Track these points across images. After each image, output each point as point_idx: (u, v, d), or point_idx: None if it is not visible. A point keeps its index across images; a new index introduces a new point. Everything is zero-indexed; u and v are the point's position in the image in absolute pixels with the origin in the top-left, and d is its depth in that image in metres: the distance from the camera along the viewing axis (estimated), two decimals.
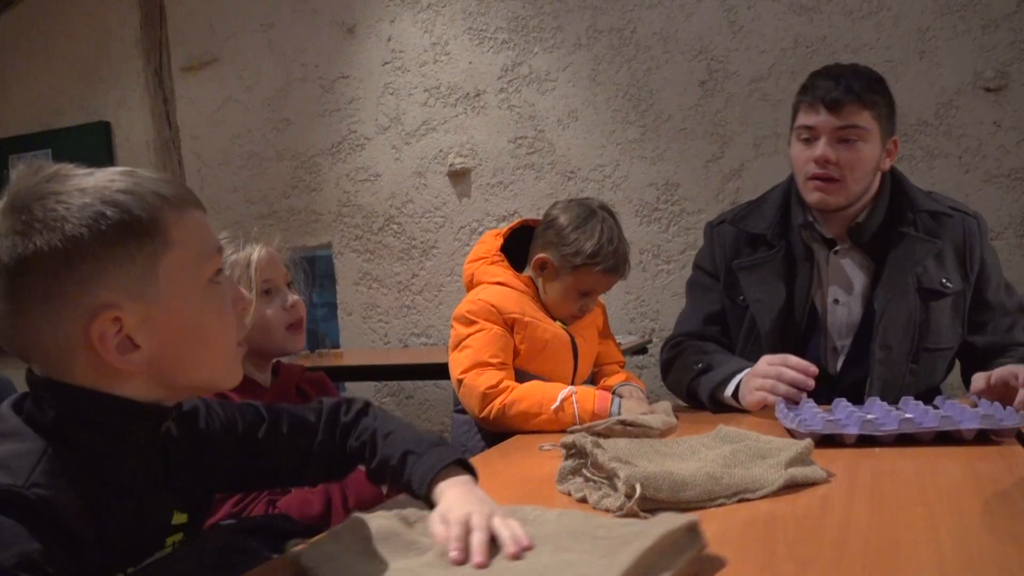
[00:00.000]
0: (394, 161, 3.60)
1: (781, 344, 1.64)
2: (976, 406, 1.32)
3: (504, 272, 1.75)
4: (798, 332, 1.68)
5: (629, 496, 0.93)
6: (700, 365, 1.66)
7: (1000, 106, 2.75)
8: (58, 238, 0.73)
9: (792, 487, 1.03)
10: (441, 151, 3.51)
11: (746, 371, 1.55)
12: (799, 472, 1.05)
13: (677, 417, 1.48)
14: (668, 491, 0.96)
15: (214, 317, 0.84)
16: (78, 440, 0.77)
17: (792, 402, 1.45)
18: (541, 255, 1.71)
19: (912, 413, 1.31)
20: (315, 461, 1.02)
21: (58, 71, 4.15)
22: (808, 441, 1.12)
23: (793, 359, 1.47)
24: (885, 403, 1.41)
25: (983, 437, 1.23)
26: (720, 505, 0.98)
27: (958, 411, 1.29)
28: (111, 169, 0.80)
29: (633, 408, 1.52)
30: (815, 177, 1.60)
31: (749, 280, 1.71)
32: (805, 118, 1.62)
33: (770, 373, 1.47)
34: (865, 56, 2.85)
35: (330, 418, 1.05)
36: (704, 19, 3.07)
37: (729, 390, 1.58)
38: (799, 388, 1.45)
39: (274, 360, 1.48)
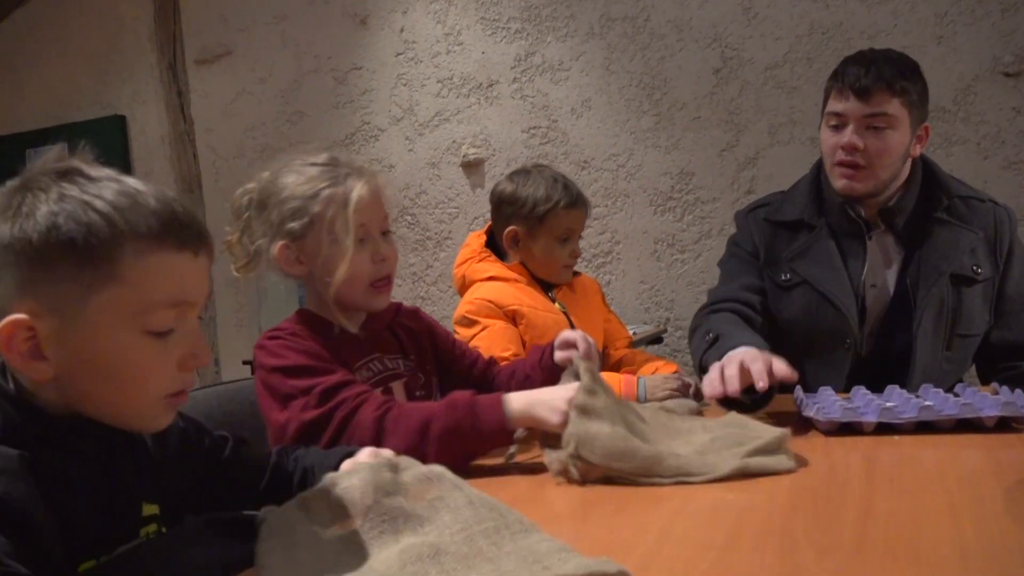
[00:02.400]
0: (408, 152, 3.60)
1: (857, 328, 1.65)
2: (997, 393, 1.31)
3: (493, 266, 1.77)
4: (870, 317, 1.68)
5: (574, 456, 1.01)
6: (711, 335, 1.55)
7: (1020, 91, 2.71)
8: (16, 233, 0.73)
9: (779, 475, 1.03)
10: (455, 142, 3.51)
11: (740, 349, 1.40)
12: (757, 461, 1.04)
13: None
14: (600, 457, 1.01)
15: (137, 367, 0.78)
16: (23, 441, 0.75)
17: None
18: (508, 230, 1.74)
19: (932, 400, 1.30)
20: (270, 479, 1.03)
21: (72, 65, 4.17)
22: (782, 431, 1.10)
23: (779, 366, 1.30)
24: (904, 391, 1.40)
25: (1004, 424, 1.22)
26: (655, 484, 1.02)
27: (979, 398, 1.28)
28: (123, 181, 0.78)
29: (659, 386, 1.52)
30: (841, 163, 1.61)
31: (804, 266, 1.70)
32: (834, 104, 1.62)
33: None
34: (882, 42, 2.81)
35: (281, 450, 1.07)
36: (718, 6, 3.05)
37: None
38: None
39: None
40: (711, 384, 1.31)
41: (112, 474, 0.83)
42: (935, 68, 2.78)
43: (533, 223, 1.73)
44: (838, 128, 1.62)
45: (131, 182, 0.79)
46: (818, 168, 1.76)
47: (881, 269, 1.69)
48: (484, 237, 1.85)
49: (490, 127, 3.44)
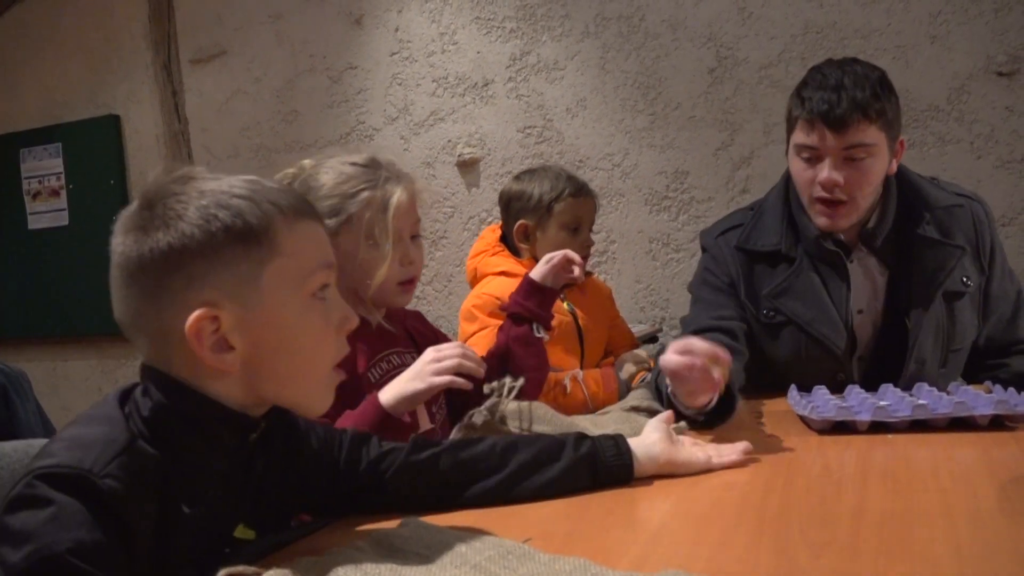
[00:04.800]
0: (403, 152, 3.59)
1: (846, 358, 1.56)
2: (990, 392, 1.32)
3: (506, 260, 1.77)
4: (860, 344, 1.58)
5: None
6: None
7: (1013, 91, 2.72)
8: (173, 235, 0.77)
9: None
10: (450, 141, 3.51)
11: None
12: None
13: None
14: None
15: (311, 333, 0.84)
16: (167, 434, 0.78)
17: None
18: (518, 224, 1.76)
19: (925, 399, 1.30)
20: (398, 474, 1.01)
21: (67, 64, 4.16)
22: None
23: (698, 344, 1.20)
24: (898, 389, 1.40)
25: (997, 423, 1.23)
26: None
27: (972, 397, 1.29)
28: (237, 176, 0.84)
29: (629, 361, 1.55)
30: (821, 200, 1.48)
31: (789, 304, 1.56)
32: (805, 136, 1.46)
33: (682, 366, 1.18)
34: (875, 41, 2.83)
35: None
36: (713, 5, 3.05)
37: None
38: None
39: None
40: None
41: (229, 485, 0.84)
42: (929, 67, 2.79)
43: (542, 214, 1.76)
44: (811, 161, 1.47)
45: (243, 175, 0.85)
46: (786, 190, 1.62)
47: (867, 293, 1.57)
48: (499, 231, 1.86)
49: (485, 127, 3.44)
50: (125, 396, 0.81)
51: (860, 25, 2.86)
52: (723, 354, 1.18)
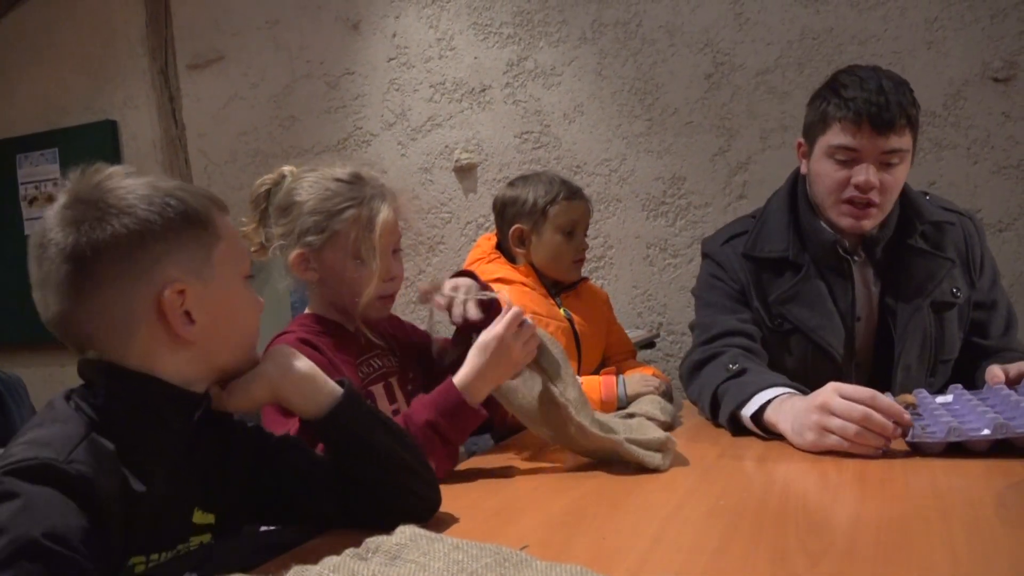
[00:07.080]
0: (400, 157, 3.59)
1: (846, 365, 1.57)
2: None
3: (502, 267, 1.78)
4: (857, 351, 1.59)
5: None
6: (735, 366, 1.43)
7: (1009, 96, 2.73)
8: (133, 221, 0.83)
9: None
10: (447, 147, 3.51)
11: (778, 393, 1.31)
12: (627, 448, 1.16)
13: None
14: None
15: (250, 307, 0.95)
16: (119, 423, 0.81)
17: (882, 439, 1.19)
18: (514, 229, 1.76)
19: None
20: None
21: (64, 70, 4.16)
22: (666, 435, 1.22)
23: (883, 400, 1.17)
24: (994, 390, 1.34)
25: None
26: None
27: None
28: (149, 176, 0.90)
29: (639, 383, 1.55)
30: (851, 201, 1.48)
31: (795, 311, 1.56)
32: (845, 137, 1.46)
33: (853, 415, 1.15)
34: (872, 47, 2.83)
35: None
36: (710, 11, 3.06)
37: (750, 408, 1.32)
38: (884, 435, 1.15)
39: None
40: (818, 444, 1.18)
41: (178, 467, 0.86)
42: (925, 73, 2.79)
43: (537, 218, 1.76)
44: (847, 163, 1.47)
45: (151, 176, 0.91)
46: (792, 196, 1.63)
47: (864, 301, 1.59)
48: (495, 239, 1.86)
49: (483, 132, 3.44)
50: (70, 398, 0.85)
51: (857, 31, 2.87)
52: (907, 417, 1.16)
